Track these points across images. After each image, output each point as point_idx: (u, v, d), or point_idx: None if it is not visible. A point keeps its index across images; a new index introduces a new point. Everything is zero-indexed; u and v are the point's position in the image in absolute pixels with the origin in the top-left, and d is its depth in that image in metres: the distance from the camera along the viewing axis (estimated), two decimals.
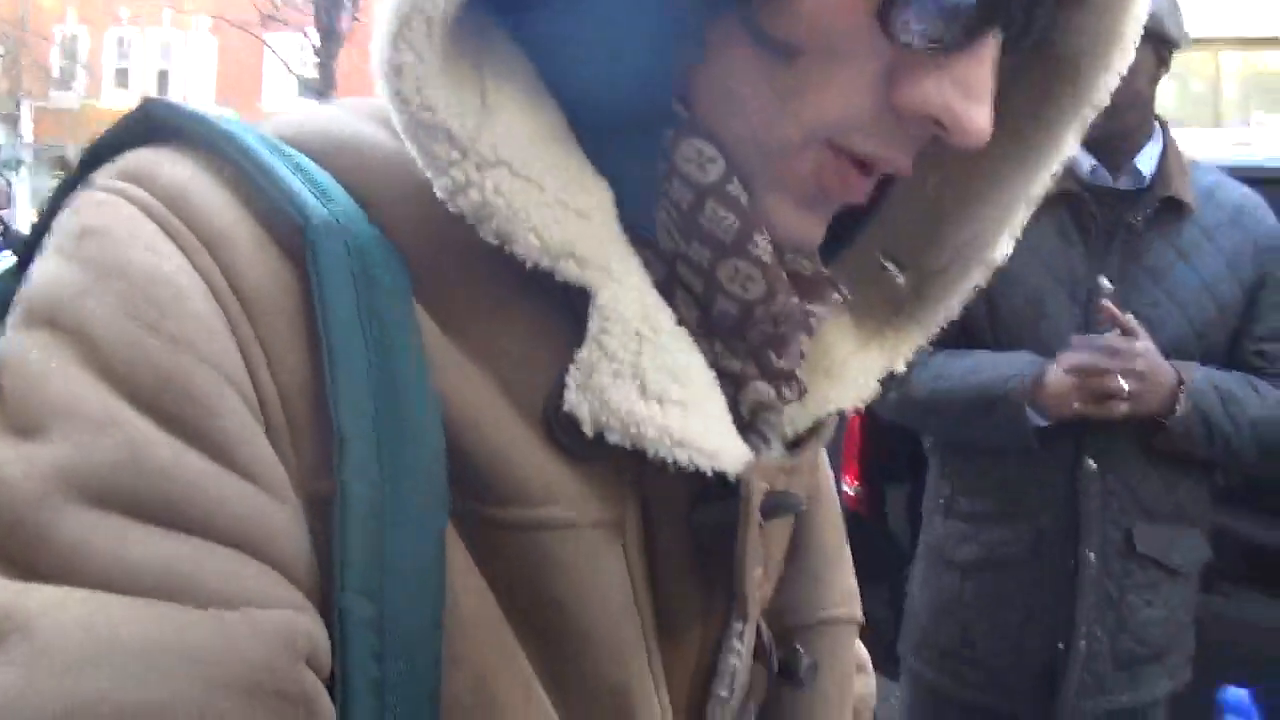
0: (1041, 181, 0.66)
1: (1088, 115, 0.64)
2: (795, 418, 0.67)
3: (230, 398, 0.49)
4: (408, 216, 0.56)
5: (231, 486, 0.48)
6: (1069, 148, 0.65)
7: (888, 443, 3.40)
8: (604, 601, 0.58)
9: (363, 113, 0.61)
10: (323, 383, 0.50)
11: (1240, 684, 1.95)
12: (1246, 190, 2.20)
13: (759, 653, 0.69)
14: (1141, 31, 0.62)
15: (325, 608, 0.49)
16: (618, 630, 0.59)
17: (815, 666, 0.71)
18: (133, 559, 0.45)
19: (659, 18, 0.54)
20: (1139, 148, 2.13)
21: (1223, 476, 2.20)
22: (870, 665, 0.91)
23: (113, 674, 0.42)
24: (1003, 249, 0.68)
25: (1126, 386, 1.96)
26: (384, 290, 0.53)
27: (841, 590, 0.78)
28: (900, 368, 0.71)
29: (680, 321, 0.58)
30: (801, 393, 0.65)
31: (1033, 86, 0.65)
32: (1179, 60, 2.16)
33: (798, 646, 0.71)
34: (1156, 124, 2.14)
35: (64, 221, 0.53)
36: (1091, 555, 2.05)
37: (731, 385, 0.61)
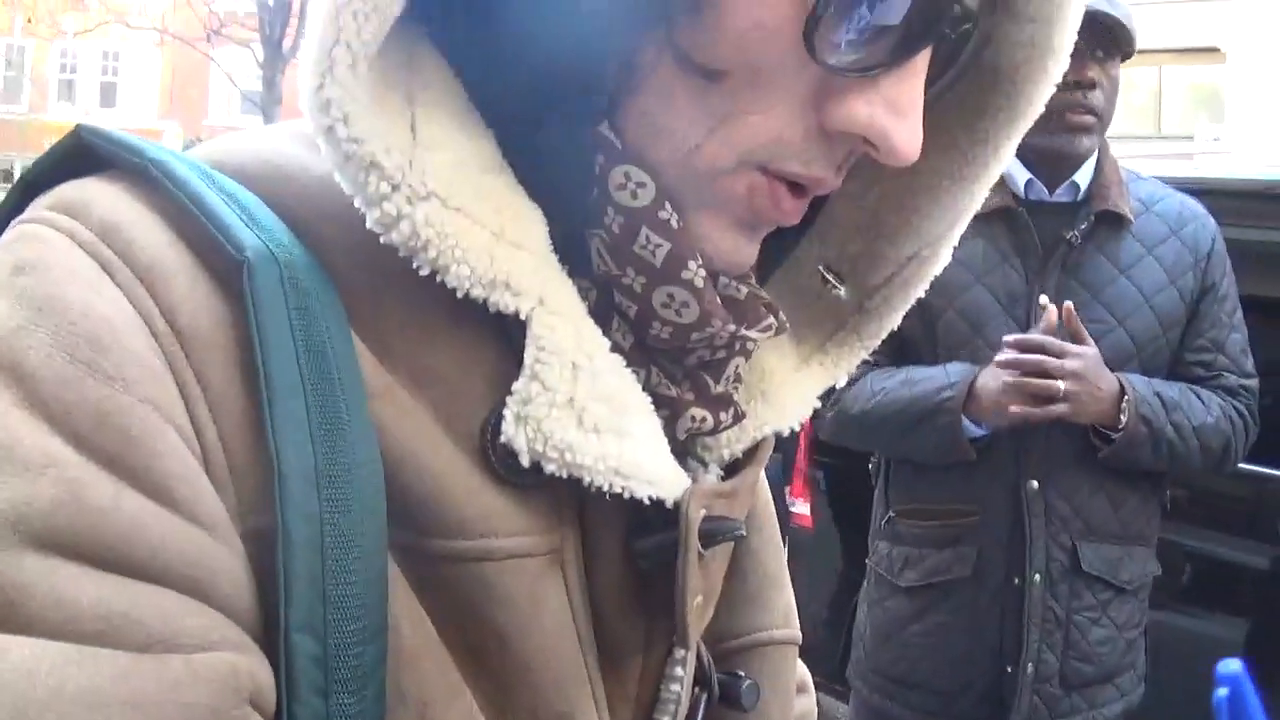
0: (981, 194, 0.67)
1: (1023, 127, 0.65)
2: (733, 440, 0.67)
3: (169, 436, 0.48)
4: (342, 242, 0.55)
5: (172, 526, 0.47)
6: (1006, 160, 0.66)
7: (836, 461, 3.39)
8: (545, 632, 0.58)
9: (298, 135, 0.60)
10: (262, 417, 0.50)
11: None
12: (1186, 199, 2.20)
13: (699, 677, 0.68)
14: (1075, 40, 0.62)
15: (269, 644, 0.49)
16: (560, 660, 0.58)
17: (756, 688, 0.71)
18: (74, 604, 0.44)
19: (586, 42, 0.54)
20: (1082, 163, 2.12)
21: (1168, 498, 2.20)
22: (811, 684, 0.91)
23: None
24: (943, 262, 0.69)
25: (1062, 386, 1.94)
26: (320, 321, 0.52)
27: (781, 610, 0.78)
28: (842, 382, 0.72)
29: (615, 348, 0.58)
30: (738, 417, 0.64)
31: (967, 100, 0.65)
32: (1122, 72, 2.17)
33: (739, 671, 0.71)
34: None
35: None
36: (1037, 576, 2.04)
37: (668, 411, 0.61)
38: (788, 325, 0.66)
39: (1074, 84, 2.01)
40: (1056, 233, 2.08)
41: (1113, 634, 2.08)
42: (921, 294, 0.70)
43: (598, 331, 0.58)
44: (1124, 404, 1.99)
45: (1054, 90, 0.63)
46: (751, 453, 0.68)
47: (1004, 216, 2.08)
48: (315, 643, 0.49)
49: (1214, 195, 2.40)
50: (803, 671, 0.87)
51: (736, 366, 0.64)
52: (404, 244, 0.53)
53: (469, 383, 0.56)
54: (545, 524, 0.58)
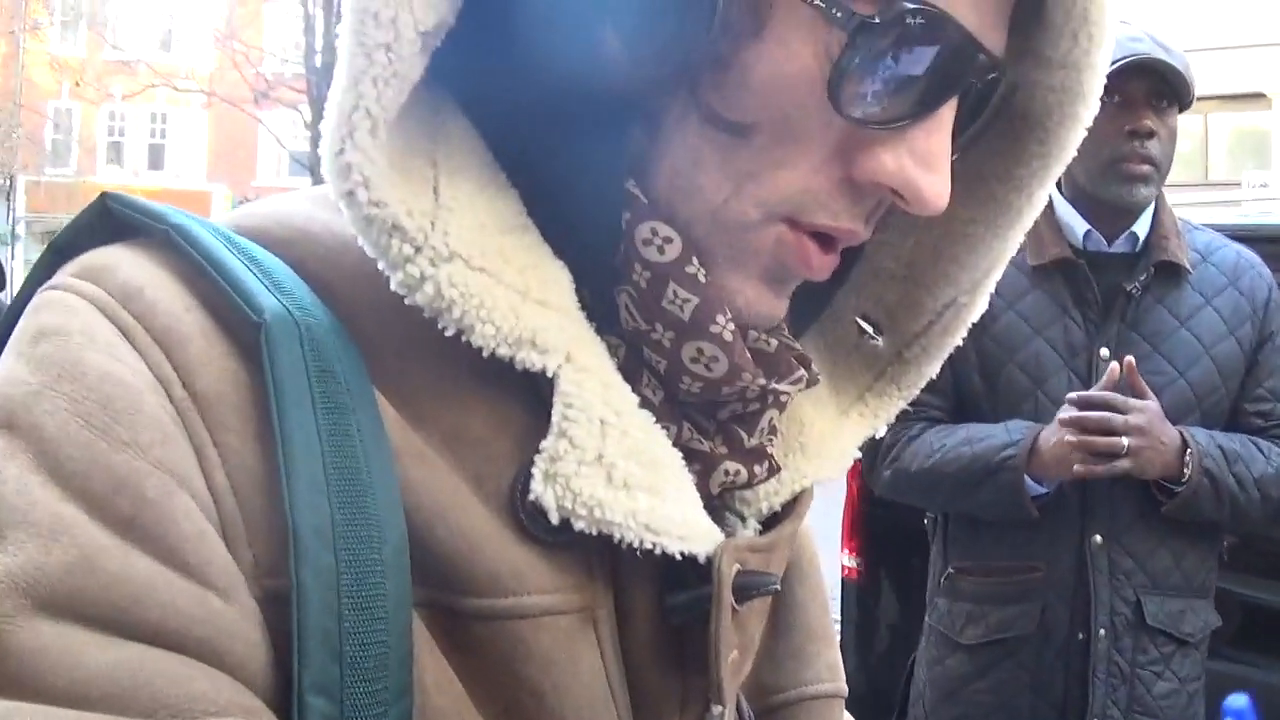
0: (1016, 240, 0.66)
1: (1056, 172, 0.64)
2: (771, 494, 0.67)
3: (182, 501, 0.49)
4: (367, 303, 0.56)
5: (183, 590, 0.47)
6: (1039, 206, 0.66)
7: (886, 516, 3.36)
8: (580, 689, 0.57)
9: (319, 199, 0.61)
10: (278, 478, 0.50)
11: None
12: (1242, 249, 2.20)
13: None
14: (1104, 83, 0.62)
15: (286, 706, 0.49)
16: (595, 717, 0.58)
17: None
18: (81, 670, 0.45)
19: (610, 102, 0.55)
20: (1141, 213, 2.11)
21: (1226, 550, 2.18)
22: None
23: None
24: (980, 309, 0.69)
25: (1127, 443, 1.93)
26: (340, 381, 0.52)
27: (826, 664, 0.77)
28: (881, 432, 0.71)
29: (645, 403, 0.58)
30: (773, 470, 0.64)
31: (999, 147, 0.65)
32: None
33: None
34: None
35: (24, 321, 0.54)
36: (1102, 631, 2.02)
37: (700, 465, 0.61)
38: (819, 378, 0.66)
39: (1132, 133, 2.00)
40: (1116, 284, 2.07)
41: (1176, 687, 2.05)
42: (959, 342, 0.70)
43: (626, 388, 0.58)
44: (1187, 457, 1.97)
45: (1084, 133, 0.63)
46: (790, 506, 0.68)
47: (1063, 268, 2.08)
48: (330, 704, 0.48)
49: (1262, 242, 2.38)
50: None
51: (770, 419, 0.63)
52: (429, 305, 0.53)
53: (499, 441, 0.56)
54: (577, 581, 0.58)
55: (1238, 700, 1.73)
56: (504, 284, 0.54)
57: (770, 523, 0.67)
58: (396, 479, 0.52)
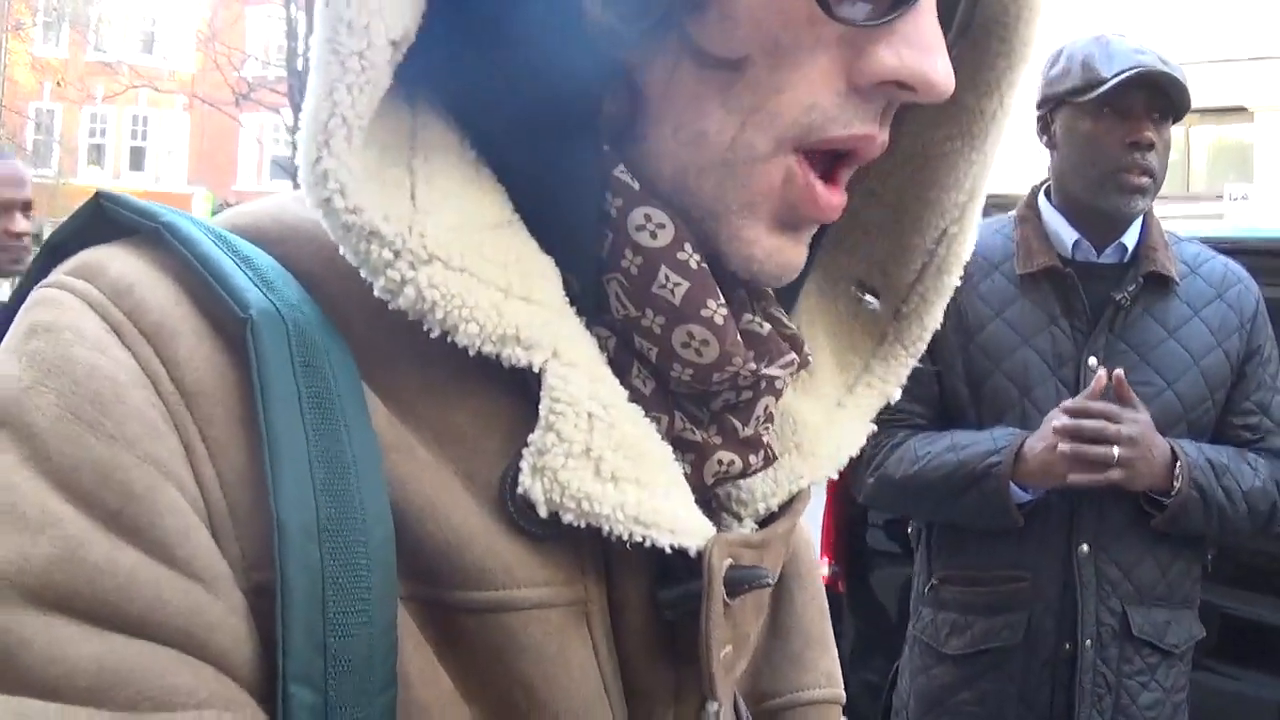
0: (992, 152, 0.68)
1: (1022, 71, 0.66)
2: (768, 494, 0.68)
3: (169, 494, 0.49)
4: (357, 300, 0.56)
5: (169, 583, 0.48)
6: (1010, 111, 0.67)
7: (866, 524, 3.36)
8: (572, 682, 0.58)
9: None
10: (263, 471, 0.51)
11: None
12: (1230, 261, 2.20)
13: None
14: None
15: (272, 697, 0.49)
16: (588, 711, 0.58)
17: None
18: (67, 660, 0.45)
19: (594, 65, 0.56)
20: (1130, 223, 2.12)
21: (1211, 560, 2.18)
22: None
23: None
24: (971, 235, 0.70)
25: (1117, 452, 1.93)
26: (328, 376, 0.53)
27: (823, 670, 0.78)
28: (896, 395, 0.72)
29: (636, 395, 0.59)
30: (769, 459, 0.64)
31: (966, 59, 0.66)
32: None
33: None
34: None
35: (18, 318, 0.55)
36: (1088, 641, 2.02)
37: (694, 455, 0.61)
38: (810, 359, 0.66)
39: (1133, 145, 1.99)
40: (1104, 294, 2.07)
41: (1161, 697, 2.06)
42: (956, 282, 0.70)
43: (615, 381, 0.58)
44: (1177, 470, 1.97)
45: (1038, 33, 0.65)
46: (786, 505, 0.68)
47: (1051, 277, 2.07)
48: (314, 694, 0.49)
49: (1247, 254, 2.38)
50: None
51: (765, 406, 0.63)
52: (411, 308, 0.53)
53: (488, 437, 0.57)
54: (567, 575, 0.58)
55: None
56: (485, 282, 0.54)
57: (767, 524, 0.67)
58: (384, 474, 0.53)
